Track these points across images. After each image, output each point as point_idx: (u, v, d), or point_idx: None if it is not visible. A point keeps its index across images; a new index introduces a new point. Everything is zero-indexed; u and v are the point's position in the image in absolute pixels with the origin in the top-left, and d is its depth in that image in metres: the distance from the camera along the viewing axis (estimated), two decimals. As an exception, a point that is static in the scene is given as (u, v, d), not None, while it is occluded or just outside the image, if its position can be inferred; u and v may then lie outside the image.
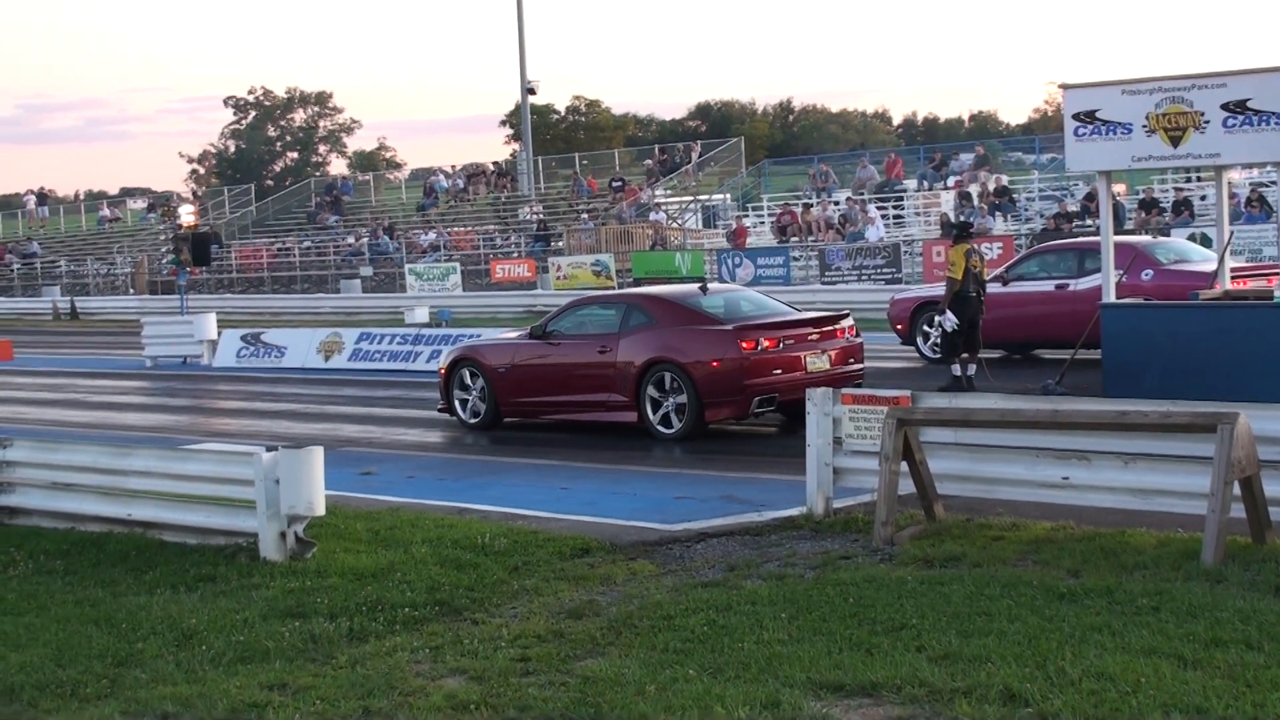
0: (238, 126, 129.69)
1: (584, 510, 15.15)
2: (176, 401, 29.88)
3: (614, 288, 46.75)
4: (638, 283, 48.55)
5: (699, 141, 72.60)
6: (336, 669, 9.94)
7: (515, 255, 59.29)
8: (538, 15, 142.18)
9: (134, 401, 30.04)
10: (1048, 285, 24.81)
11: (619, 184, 64.34)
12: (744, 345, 19.35)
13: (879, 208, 50.67)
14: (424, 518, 14.79)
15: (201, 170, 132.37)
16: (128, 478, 14.85)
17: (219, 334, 36.44)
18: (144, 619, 11.43)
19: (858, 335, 20.73)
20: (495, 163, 78.01)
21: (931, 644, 9.48)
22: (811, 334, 20.03)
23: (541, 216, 64.00)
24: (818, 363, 19.76)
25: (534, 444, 20.20)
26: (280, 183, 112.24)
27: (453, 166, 76.75)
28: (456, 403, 22.01)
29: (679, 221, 58.53)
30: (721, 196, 61.13)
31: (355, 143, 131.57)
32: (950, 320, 22.67)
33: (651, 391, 19.84)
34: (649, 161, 68.54)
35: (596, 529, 14.05)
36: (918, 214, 51.68)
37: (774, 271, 46.50)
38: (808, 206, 53.21)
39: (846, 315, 20.89)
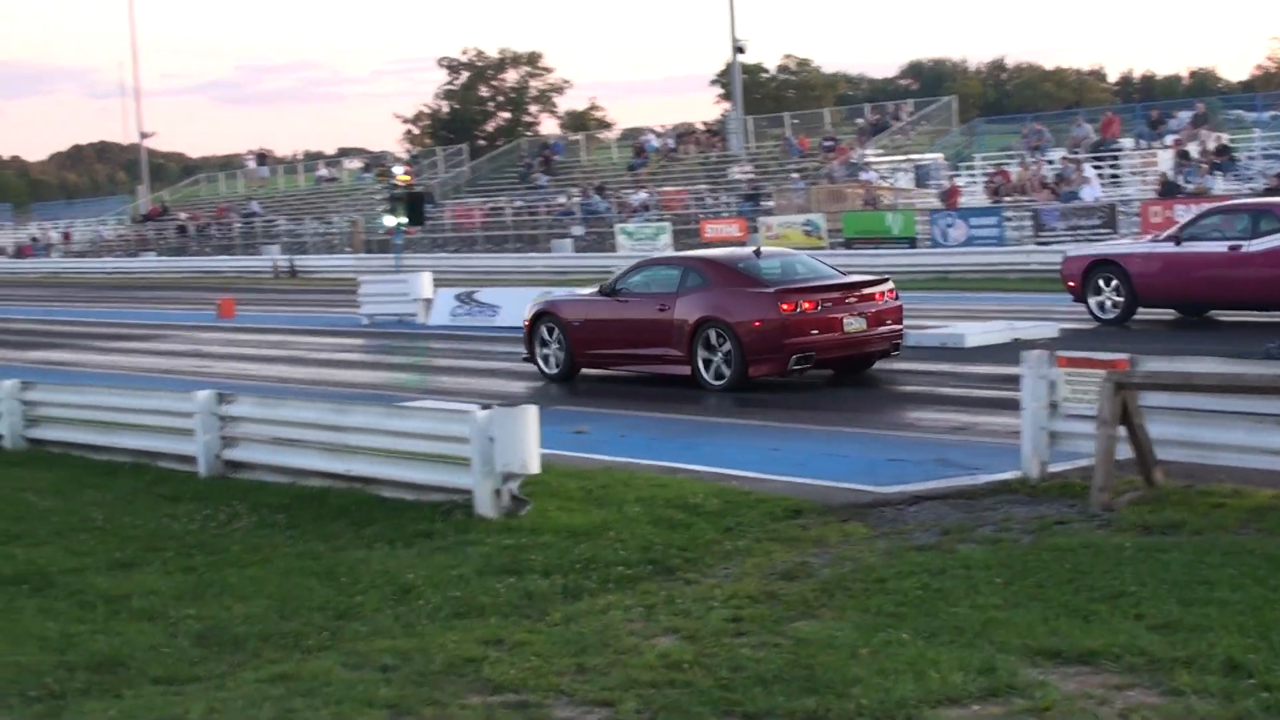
0: (451, 87, 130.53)
1: (795, 471, 15.06)
2: (393, 359, 30.39)
3: (825, 248, 46.55)
4: (849, 243, 48.32)
5: (910, 100, 71.86)
6: (551, 626, 10.03)
7: (725, 215, 59.20)
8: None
9: (351, 359, 30.60)
10: (1220, 246, 24.28)
11: (830, 143, 63.91)
12: (784, 307, 20.79)
13: (1094, 167, 49.73)
14: (636, 477, 14.86)
15: (416, 130, 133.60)
16: (347, 434, 15.13)
17: (434, 292, 36.96)
18: (363, 573, 11.65)
19: (897, 298, 21.73)
20: (705, 122, 78.11)
21: (1151, 612, 9.32)
22: (850, 297, 21.24)
23: (751, 176, 63.83)
24: (854, 324, 21.11)
25: (744, 404, 20.24)
26: (492, 142, 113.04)
27: (663, 126, 76.94)
28: (538, 353, 23.66)
29: (890, 181, 57.99)
30: (933, 156, 60.32)
31: (566, 103, 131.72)
32: None
33: (702, 347, 21.30)
34: (860, 120, 67.98)
35: (808, 490, 14.01)
36: (1134, 173, 50.60)
37: (987, 232, 45.90)
38: (1022, 165, 52.40)
39: (887, 280, 22.03)
